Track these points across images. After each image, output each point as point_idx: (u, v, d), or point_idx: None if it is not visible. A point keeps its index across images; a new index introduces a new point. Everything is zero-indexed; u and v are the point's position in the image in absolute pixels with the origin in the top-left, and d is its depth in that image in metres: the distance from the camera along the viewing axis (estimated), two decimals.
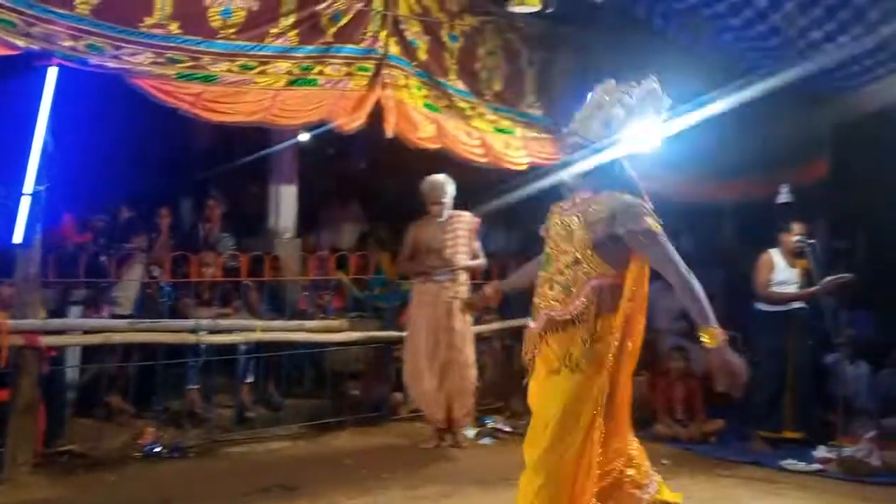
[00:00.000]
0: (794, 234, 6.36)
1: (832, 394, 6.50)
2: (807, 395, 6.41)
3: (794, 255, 6.42)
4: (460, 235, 5.76)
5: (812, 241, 6.31)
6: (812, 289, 6.10)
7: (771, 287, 6.45)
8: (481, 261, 5.93)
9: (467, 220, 5.84)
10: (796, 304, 6.40)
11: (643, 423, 6.78)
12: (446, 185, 5.77)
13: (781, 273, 6.43)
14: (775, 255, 6.47)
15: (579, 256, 3.11)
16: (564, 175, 3.30)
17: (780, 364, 6.38)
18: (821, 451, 6.08)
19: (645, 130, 3.25)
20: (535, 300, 3.26)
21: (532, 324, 3.26)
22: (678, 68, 6.48)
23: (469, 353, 5.84)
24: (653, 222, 3.06)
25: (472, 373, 5.86)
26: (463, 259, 5.76)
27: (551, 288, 3.17)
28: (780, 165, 7.99)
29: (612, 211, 3.08)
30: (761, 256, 6.52)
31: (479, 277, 6.75)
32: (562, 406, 3.09)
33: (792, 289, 6.40)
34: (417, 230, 5.81)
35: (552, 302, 3.16)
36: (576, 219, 3.17)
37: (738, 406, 7.51)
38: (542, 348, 3.21)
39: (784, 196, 7.43)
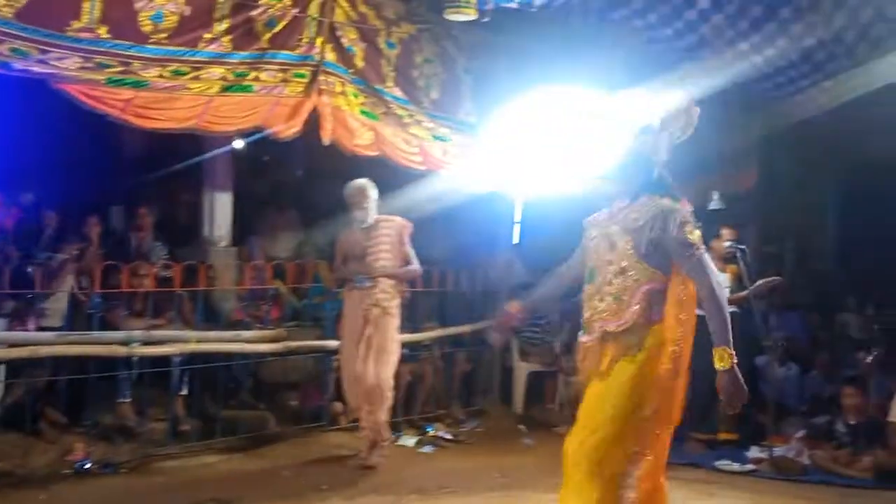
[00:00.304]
0: (725, 240, 6.53)
1: (763, 395, 6.68)
2: None
3: (724, 260, 6.58)
4: (384, 241, 5.53)
5: (742, 246, 6.48)
6: (743, 293, 6.25)
7: None
8: (411, 267, 5.64)
9: (397, 224, 5.60)
10: (728, 309, 6.56)
11: None
12: (367, 189, 5.58)
13: None
14: None
15: (625, 265, 3.14)
16: (602, 184, 3.33)
17: (713, 367, 6.52)
18: (753, 452, 6.25)
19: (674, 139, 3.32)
20: (586, 314, 3.24)
21: (585, 338, 3.25)
22: (612, 77, 6.63)
23: (386, 365, 5.48)
24: (690, 230, 3.09)
25: (386, 387, 5.49)
26: (386, 265, 5.53)
27: (601, 300, 3.18)
28: (711, 173, 8.19)
29: (651, 217, 3.11)
30: None
31: (418, 285, 6.76)
32: (611, 409, 3.12)
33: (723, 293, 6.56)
34: (345, 236, 5.73)
35: (604, 314, 3.16)
36: (616, 228, 3.19)
37: None
38: (599, 361, 3.19)
39: (715, 203, 7.64)
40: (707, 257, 3.14)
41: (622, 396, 3.10)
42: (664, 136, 3.28)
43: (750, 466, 6.02)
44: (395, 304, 5.58)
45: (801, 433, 6.31)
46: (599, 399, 3.16)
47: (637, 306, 3.09)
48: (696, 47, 6.13)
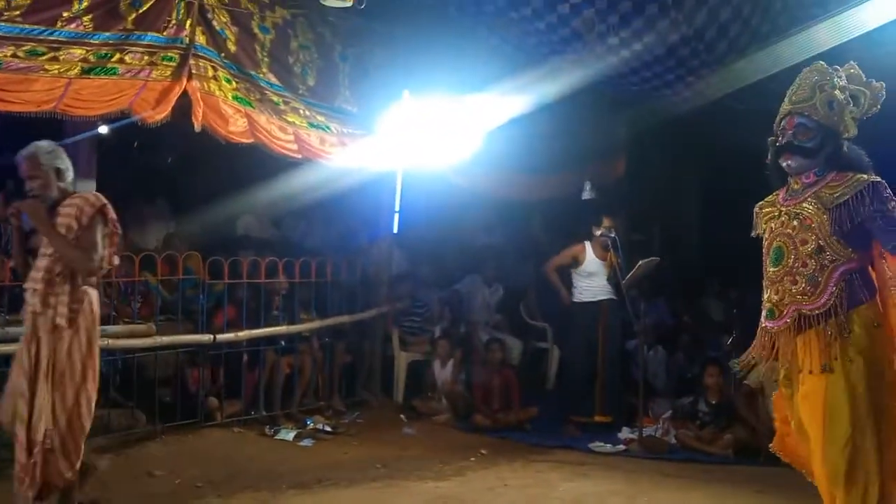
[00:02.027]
0: (601, 227, 6.77)
1: (635, 378, 6.97)
2: (615, 382, 6.84)
3: (603, 247, 6.82)
4: (61, 224, 3.94)
5: (612, 235, 6.73)
6: (632, 275, 6.46)
7: (579, 276, 6.84)
8: (72, 254, 3.89)
9: (79, 203, 3.98)
10: (605, 296, 6.82)
11: (463, 415, 6.99)
12: (41, 154, 4.02)
13: (591, 264, 6.82)
14: (588, 247, 6.86)
15: (822, 244, 2.98)
16: (787, 159, 3.15)
17: (590, 352, 6.77)
18: (625, 433, 6.52)
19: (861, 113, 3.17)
20: (774, 297, 3.09)
21: (771, 323, 3.11)
22: (486, 67, 6.72)
23: (72, 387, 3.90)
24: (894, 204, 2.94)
25: (78, 415, 3.93)
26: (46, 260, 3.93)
27: (794, 282, 3.01)
28: (583, 163, 8.46)
29: (856, 191, 2.97)
30: (574, 245, 6.90)
31: (296, 275, 6.63)
32: (833, 418, 2.90)
33: (599, 280, 6.80)
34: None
35: (799, 297, 3.00)
36: (809, 205, 3.05)
37: (551, 393, 7.92)
38: (792, 350, 3.04)
39: (587, 193, 7.91)
40: None
41: (859, 397, 2.88)
42: (850, 109, 3.13)
43: (621, 447, 6.27)
44: (73, 313, 3.92)
45: (667, 413, 6.62)
46: (831, 404, 2.92)
47: (835, 287, 2.95)
48: (569, 41, 6.27)
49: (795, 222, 3.07)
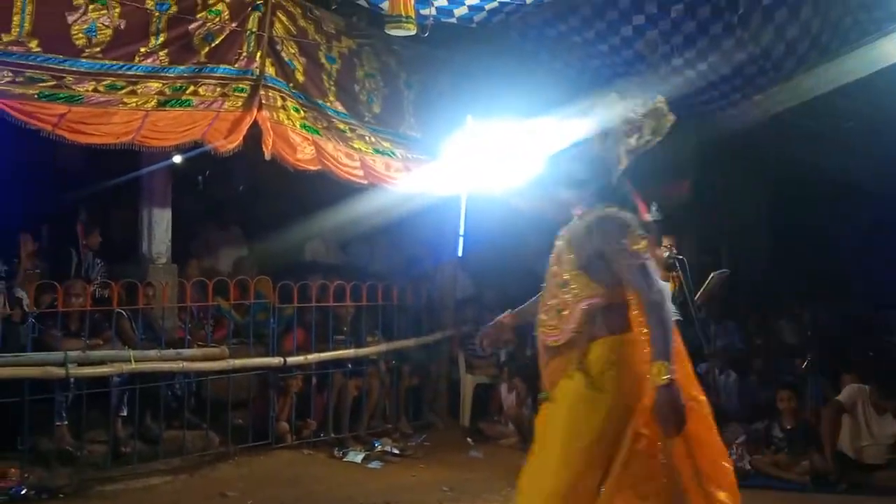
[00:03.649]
0: (663, 247, 6.68)
1: None
2: None
3: (666, 268, 6.72)
4: None
5: (680, 256, 6.64)
6: (700, 295, 6.37)
7: None
8: None
9: None
10: (672, 320, 6.71)
11: (530, 438, 6.95)
12: None
13: None
14: None
15: (567, 277, 2.96)
16: (561, 192, 3.12)
17: None
18: None
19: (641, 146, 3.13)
20: (538, 328, 3.10)
21: (539, 349, 3.13)
22: (550, 91, 6.74)
23: None
24: (634, 238, 2.87)
25: None
26: None
27: (546, 313, 3.04)
28: (648, 184, 8.35)
29: (591, 226, 2.93)
30: None
31: (363, 299, 6.72)
32: (559, 441, 2.86)
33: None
34: None
35: (546, 328, 3.02)
36: (564, 238, 3.05)
37: None
38: (547, 378, 3.03)
39: (653, 214, 7.79)
40: (652, 266, 2.91)
41: (566, 428, 2.85)
42: (626, 141, 3.10)
43: None
44: None
45: (741, 439, 6.45)
46: (549, 426, 2.94)
47: (574, 323, 2.91)
48: (632, 62, 6.26)
49: (555, 255, 3.07)
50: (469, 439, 7.09)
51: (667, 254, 6.67)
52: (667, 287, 6.61)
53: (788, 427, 6.21)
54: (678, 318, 6.67)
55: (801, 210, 9.50)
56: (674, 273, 6.65)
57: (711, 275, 6.45)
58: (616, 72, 6.34)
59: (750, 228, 10.95)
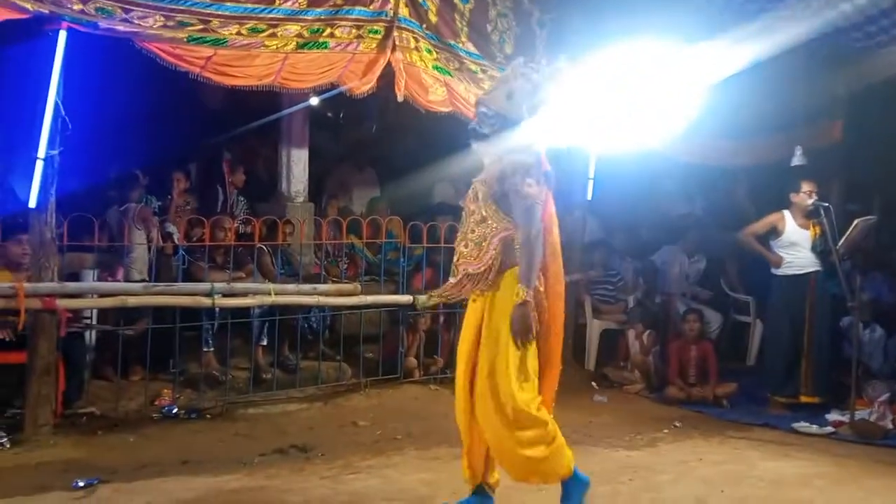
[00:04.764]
0: (803, 193, 6.34)
1: (846, 357, 6.50)
2: (824, 360, 6.41)
3: (806, 216, 6.39)
4: None
5: (826, 203, 6.28)
6: (841, 243, 6.08)
7: (779, 247, 6.44)
8: None
9: None
10: (812, 268, 6.39)
11: (656, 386, 6.87)
12: None
13: (793, 234, 6.40)
14: (787, 216, 6.45)
15: (485, 214, 3.46)
16: (472, 143, 3.62)
17: (796, 328, 6.38)
18: (833, 415, 6.11)
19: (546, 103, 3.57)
20: (454, 259, 3.57)
21: (451, 280, 3.59)
22: (690, 29, 6.42)
23: None
24: (528, 182, 3.38)
25: None
26: None
27: (465, 246, 3.51)
28: (795, 127, 7.91)
29: (501, 167, 3.44)
30: (772, 214, 6.52)
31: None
32: (489, 356, 3.43)
33: (803, 250, 6.38)
34: None
35: (467, 258, 3.48)
36: (480, 180, 3.54)
37: (752, 369, 7.57)
38: (467, 302, 3.60)
39: (798, 158, 7.38)
40: (535, 209, 3.38)
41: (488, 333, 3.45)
42: (529, 100, 3.53)
43: (829, 429, 5.89)
44: None
45: (884, 396, 6.13)
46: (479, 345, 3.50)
47: (493, 250, 3.42)
48: None
49: (471, 194, 3.54)
50: (594, 384, 7.08)
51: (810, 200, 6.33)
52: (806, 235, 6.30)
53: None
54: (819, 268, 6.37)
55: None
56: (814, 220, 6.31)
57: (855, 221, 6.08)
58: (762, 6, 5.97)
59: None
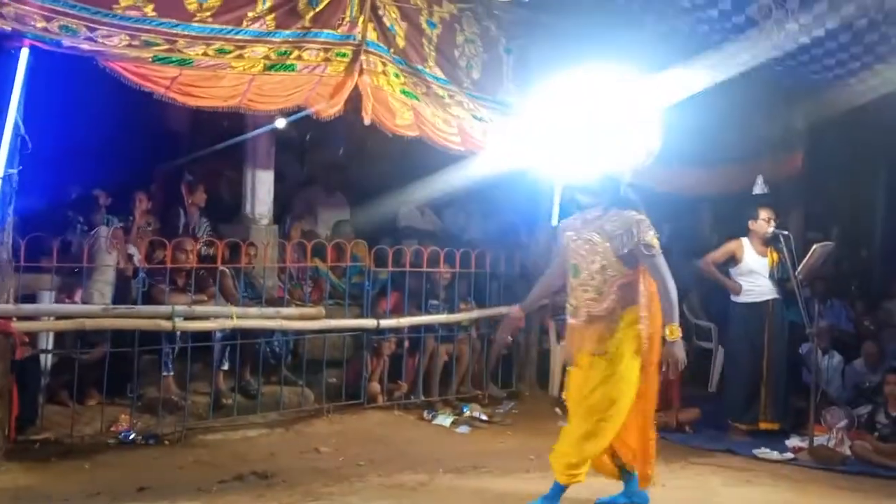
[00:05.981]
0: (762, 221, 6.42)
1: (805, 383, 6.58)
2: (782, 387, 6.48)
3: (765, 244, 6.47)
4: None
5: (786, 231, 6.38)
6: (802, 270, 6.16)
7: (738, 275, 6.51)
8: None
9: None
10: (770, 296, 6.47)
11: None
12: None
13: (751, 262, 6.48)
14: (745, 244, 6.52)
15: (605, 263, 4.03)
16: (578, 198, 4.18)
17: (755, 355, 6.45)
18: (793, 440, 6.17)
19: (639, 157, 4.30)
20: (573, 302, 4.14)
21: (573, 321, 4.13)
22: (654, 57, 6.53)
23: None
24: (652, 236, 3.99)
25: None
26: None
27: (585, 291, 4.07)
28: (758, 157, 8.06)
29: (627, 227, 3.99)
30: (730, 242, 6.59)
31: (456, 266, 6.74)
32: (602, 391, 3.99)
33: (761, 278, 6.45)
34: None
35: (589, 302, 4.05)
36: (596, 234, 4.06)
37: (715, 396, 7.62)
38: (584, 341, 4.08)
39: (759, 187, 7.51)
40: (661, 256, 4.01)
41: (607, 386, 4.02)
42: (629, 162, 4.22)
43: (789, 455, 5.94)
44: None
45: (842, 423, 6.21)
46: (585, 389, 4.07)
47: (614, 295, 4.01)
48: (743, 28, 6.00)
49: (587, 246, 4.09)
50: (557, 409, 7.06)
51: (770, 228, 6.43)
52: (764, 262, 6.38)
53: (894, 413, 5.93)
54: (777, 296, 6.44)
55: None
56: (773, 248, 6.40)
57: (814, 247, 6.17)
58: (726, 37, 6.09)
59: (865, 207, 10.43)
